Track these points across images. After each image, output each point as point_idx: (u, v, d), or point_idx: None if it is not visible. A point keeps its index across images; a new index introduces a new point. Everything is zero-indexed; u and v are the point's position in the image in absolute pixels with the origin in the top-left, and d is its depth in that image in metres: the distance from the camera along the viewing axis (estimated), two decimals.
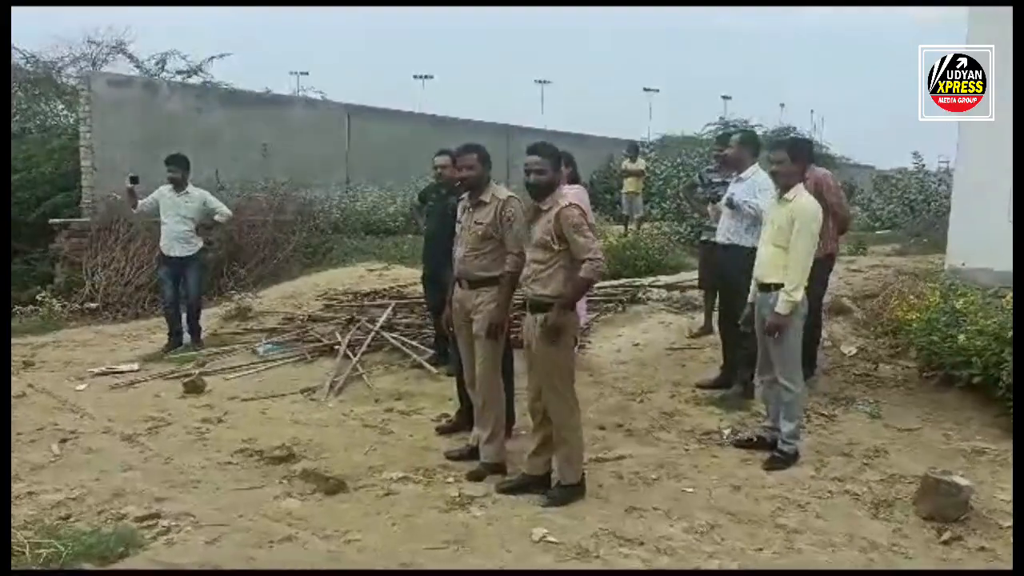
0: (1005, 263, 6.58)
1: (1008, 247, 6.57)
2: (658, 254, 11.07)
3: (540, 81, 44.17)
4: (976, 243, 7.24)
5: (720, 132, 8.63)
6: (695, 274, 10.31)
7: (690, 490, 4.40)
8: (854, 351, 7.00)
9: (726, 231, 5.81)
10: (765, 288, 4.76)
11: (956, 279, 7.14)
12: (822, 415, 5.67)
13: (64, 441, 5.19)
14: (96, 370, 6.91)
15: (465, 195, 4.79)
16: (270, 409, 5.92)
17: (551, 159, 4.24)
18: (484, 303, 4.56)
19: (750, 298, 4.91)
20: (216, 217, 7.77)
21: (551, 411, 4.29)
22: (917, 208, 17.48)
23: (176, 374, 6.74)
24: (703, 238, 7.20)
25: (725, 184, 6.85)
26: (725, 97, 36.94)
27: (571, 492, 4.26)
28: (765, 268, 4.76)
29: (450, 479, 4.56)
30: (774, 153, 4.78)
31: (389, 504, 4.23)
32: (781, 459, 4.73)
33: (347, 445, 5.12)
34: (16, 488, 4.33)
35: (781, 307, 4.57)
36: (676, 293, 8.91)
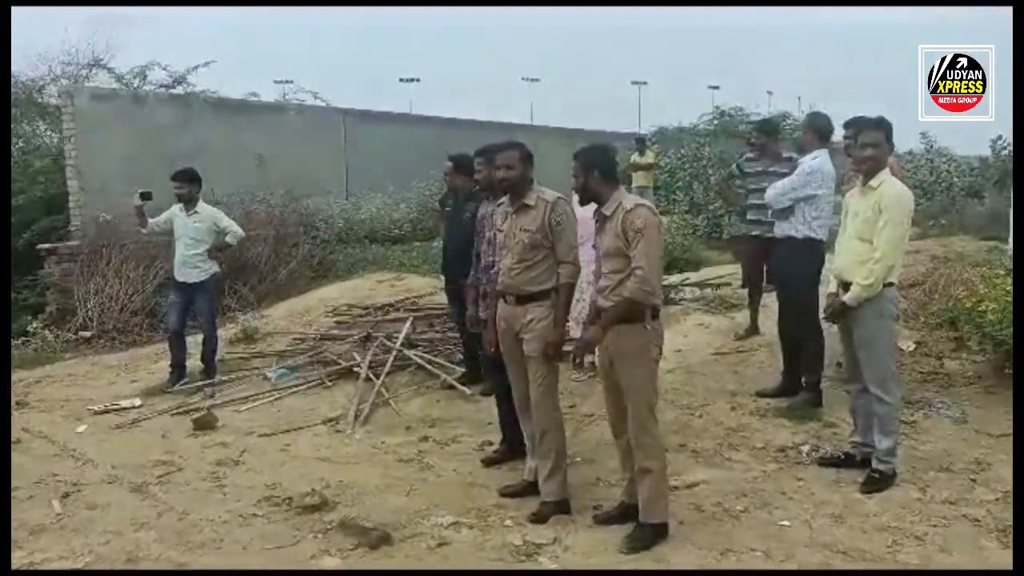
0: None
1: None
2: (679, 250, 10.55)
3: (528, 79, 43.77)
4: None
5: (756, 122, 8.10)
6: (722, 270, 9.90)
7: (786, 523, 3.87)
8: (912, 346, 6.49)
9: (784, 224, 5.27)
10: (849, 287, 4.21)
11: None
12: (903, 422, 5.11)
13: (66, 496, 4.61)
14: (96, 408, 6.32)
15: (505, 199, 4.24)
16: (292, 445, 5.36)
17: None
18: (537, 320, 4.01)
19: (830, 289, 4.38)
20: (227, 238, 7.11)
21: (632, 438, 3.76)
22: (929, 190, 17.07)
23: (183, 409, 6.17)
24: (744, 232, 6.67)
25: (765, 173, 6.36)
26: (713, 87, 36.64)
27: (655, 533, 3.72)
28: (849, 264, 4.22)
29: (508, 522, 4.02)
30: (867, 135, 4.19)
31: (443, 558, 3.69)
32: (879, 480, 4.19)
33: (384, 485, 4.57)
34: (16, 558, 3.76)
35: (850, 296, 4.09)
36: (709, 291, 8.40)
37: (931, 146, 20.53)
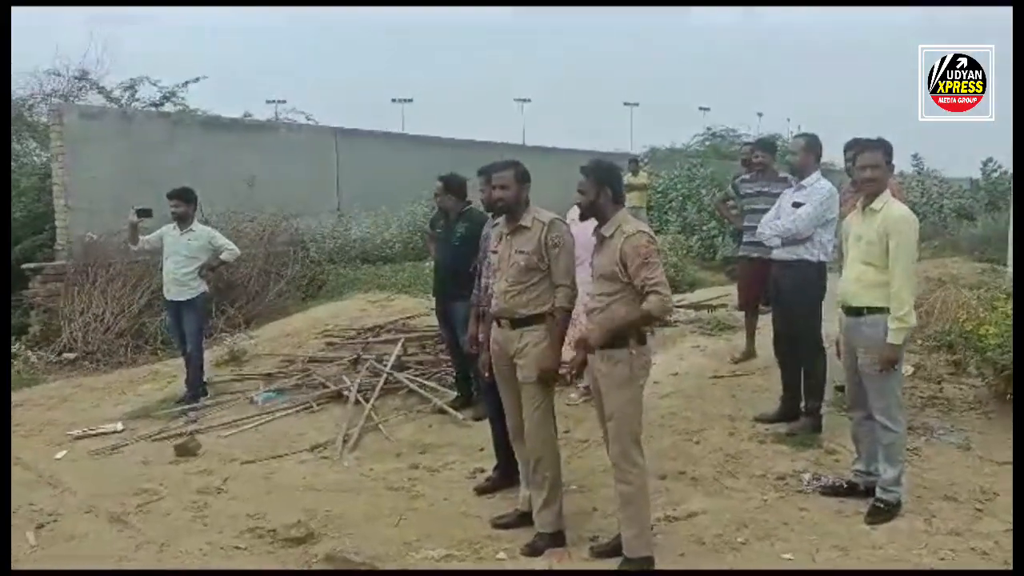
0: None
1: None
2: (672, 271, 10.46)
3: (520, 100, 43.84)
4: None
5: (754, 141, 8.03)
6: (716, 291, 9.82)
7: (788, 556, 3.73)
8: (911, 370, 6.37)
9: (797, 248, 5.14)
10: (855, 312, 4.10)
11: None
12: (906, 448, 5.00)
13: (41, 527, 4.43)
14: (76, 433, 6.13)
15: (500, 220, 4.13)
16: (276, 473, 5.19)
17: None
18: (532, 344, 3.89)
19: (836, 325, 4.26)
20: (223, 256, 7.01)
21: (613, 464, 3.65)
22: (920, 211, 17.11)
23: (166, 434, 5.99)
24: (742, 253, 6.57)
25: (761, 194, 6.29)
26: (703, 108, 36.80)
27: (641, 567, 3.58)
28: (854, 289, 4.10)
29: (502, 554, 3.88)
30: (866, 156, 4.08)
31: None
32: (884, 510, 4.06)
33: (373, 515, 4.41)
34: None
35: (894, 336, 3.90)
36: (705, 313, 8.30)
37: (922, 168, 20.66)
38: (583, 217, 3.78)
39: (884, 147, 4.08)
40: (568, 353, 4.02)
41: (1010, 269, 7.38)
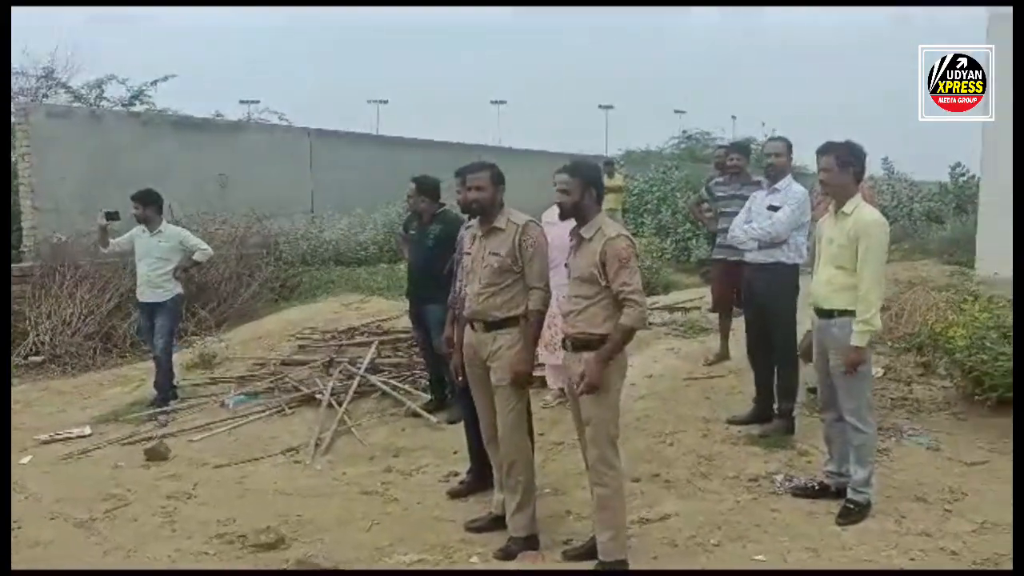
0: None
1: None
2: (648, 273, 10.49)
3: (496, 102, 43.79)
4: (1008, 251, 6.74)
5: (729, 144, 8.08)
6: (691, 293, 9.86)
7: (761, 558, 3.75)
8: (881, 372, 6.43)
9: (773, 250, 5.18)
10: (826, 315, 4.14)
11: (990, 290, 6.64)
12: (876, 449, 5.05)
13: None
14: (42, 437, 6.02)
15: (474, 222, 4.11)
16: (248, 477, 5.13)
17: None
18: (505, 347, 3.87)
19: (809, 326, 4.29)
20: (195, 256, 6.94)
21: (589, 468, 3.64)
22: (890, 215, 17.33)
23: (135, 438, 5.90)
24: (716, 256, 6.60)
25: (735, 197, 6.31)
26: (679, 111, 37.05)
27: (615, 569, 3.57)
28: (824, 292, 4.14)
29: (475, 559, 3.86)
30: (820, 160, 4.15)
31: None
32: (855, 510, 4.09)
33: (345, 519, 4.37)
34: None
35: (858, 339, 3.94)
36: (679, 315, 8.33)
37: (892, 171, 20.90)
38: (563, 217, 3.74)
39: (839, 151, 4.08)
40: (546, 356, 4.02)
41: (978, 272, 7.48)
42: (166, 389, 6.75)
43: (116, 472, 5.30)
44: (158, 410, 6.52)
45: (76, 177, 10.36)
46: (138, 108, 13.46)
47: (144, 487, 4.98)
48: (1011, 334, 5.49)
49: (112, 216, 6.85)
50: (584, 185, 3.61)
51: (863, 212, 4.04)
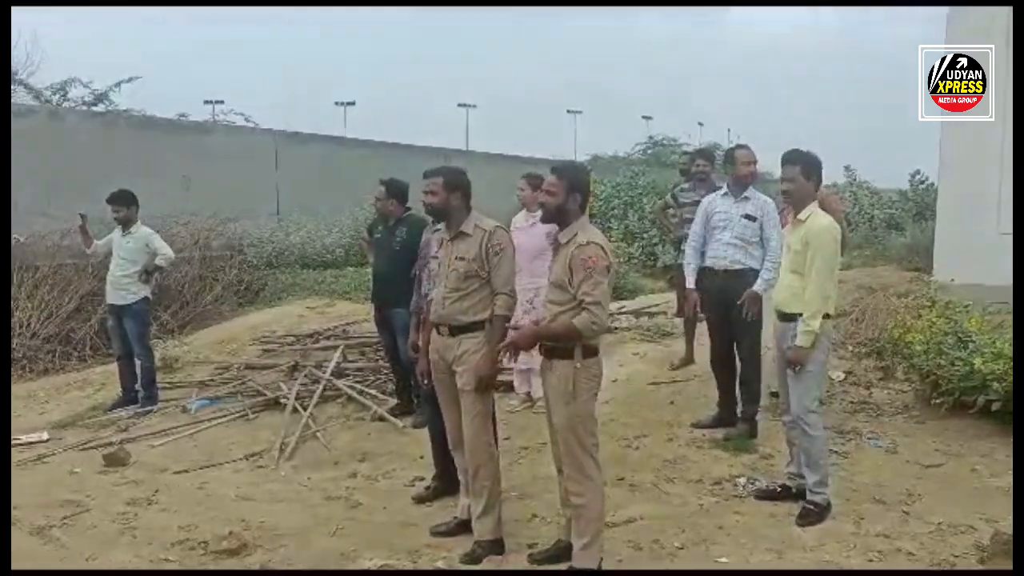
0: (997, 277, 6.25)
1: (1000, 260, 6.25)
2: (614, 277, 10.53)
3: (463, 105, 43.73)
4: (966, 257, 6.90)
5: (685, 152, 8.18)
6: (657, 298, 9.93)
7: (724, 560, 3.78)
8: (842, 376, 6.55)
9: (729, 255, 5.24)
10: (786, 318, 4.21)
11: (947, 296, 6.78)
12: (834, 452, 5.13)
13: None
14: None
15: (441, 226, 4.11)
16: (209, 483, 5.06)
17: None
18: (470, 352, 3.87)
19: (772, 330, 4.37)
20: (157, 260, 6.85)
21: (565, 474, 3.63)
22: (852, 221, 17.59)
23: (94, 443, 5.79)
24: (682, 261, 6.65)
25: (700, 203, 6.37)
26: (646, 117, 37.30)
27: None
28: (784, 296, 4.23)
29: (440, 563, 3.84)
30: (783, 170, 4.23)
31: None
32: (814, 512, 4.15)
33: (309, 525, 4.33)
34: None
35: (801, 339, 4.04)
36: (645, 320, 8.39)
37: (854, 179, 21.28)
38: (545, 220, 3.69)
39: (802, 161, 4.16)
40: (509, 362, 4.01)
41: (936, 277, 7.62)
42: (150, 389, 6.74)
43: (74, 478, 5.21)
44: (144, 409, 6.53)
45: (36, 177, 10.16)
46: (100, 108, 13.24)
47: (103, 493, 4.90)
48: (967, 339, 5.63)
49: (83, 216, 6.86)
50: (570, 189, 3.54)
51: (816, 219, 4.13)
